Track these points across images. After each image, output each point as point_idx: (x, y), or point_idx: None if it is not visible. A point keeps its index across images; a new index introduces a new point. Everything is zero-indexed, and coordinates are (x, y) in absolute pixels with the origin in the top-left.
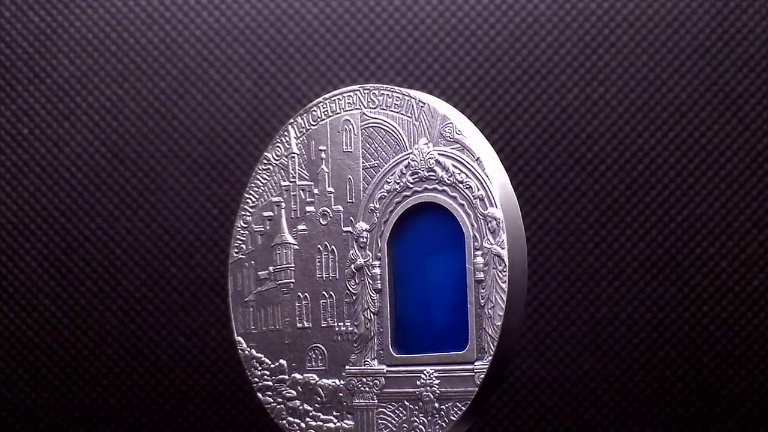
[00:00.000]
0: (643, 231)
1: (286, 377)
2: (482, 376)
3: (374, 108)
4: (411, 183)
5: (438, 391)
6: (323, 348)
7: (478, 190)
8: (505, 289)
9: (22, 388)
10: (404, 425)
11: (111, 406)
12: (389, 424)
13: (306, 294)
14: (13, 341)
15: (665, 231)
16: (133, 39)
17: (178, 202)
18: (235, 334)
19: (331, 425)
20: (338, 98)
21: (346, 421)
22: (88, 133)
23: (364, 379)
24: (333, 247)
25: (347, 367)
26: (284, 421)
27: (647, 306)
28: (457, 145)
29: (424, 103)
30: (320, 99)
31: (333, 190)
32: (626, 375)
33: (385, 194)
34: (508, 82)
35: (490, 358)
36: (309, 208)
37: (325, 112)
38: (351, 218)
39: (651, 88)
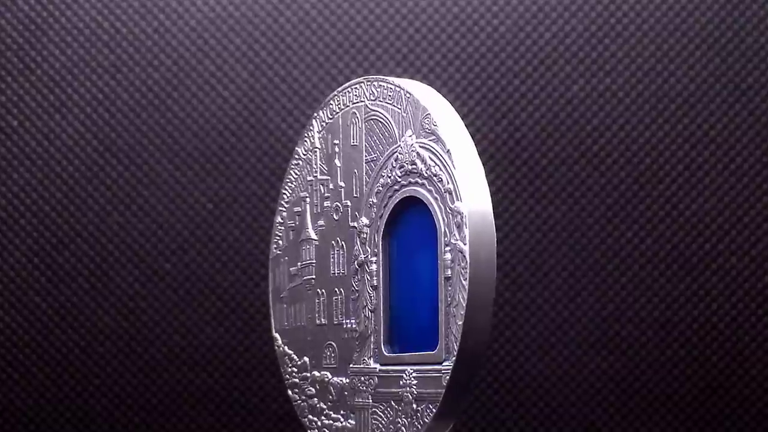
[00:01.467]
0: (650, 226)
1: (308, 374)
2: (447, 377)
3: (374, 100)
4: (399, 177)
5: (416, 392)
6: (335, 345)
7: (448, 183)
8: (466, 287)
9: (12, 387)
10: (391, 426)
11: (103, 407)
12: (380, 425)
13: (323, 290)
14: (2, 339)
15: (673, 226)
16: (126, 29)
17: (172, 197)
18: (273, 331)
19: (339, 424)
20: (348, 90)
21: (349, 421)
22: (80, 125)
23: (362, 378)
24: (343, 242)
25: (351, 365)
26: (306, 419)
27: (654, 303)
28: (434, 137)
29: (411, 94)
30: (335, 92)
31: (343, 185)
32: (633, 374)
33: (380, 188)
34: (511, 72)
35: (454, 359)
36: (326, 203)
37: (339, 106)
38: (356, 213)
39: (658, 79)
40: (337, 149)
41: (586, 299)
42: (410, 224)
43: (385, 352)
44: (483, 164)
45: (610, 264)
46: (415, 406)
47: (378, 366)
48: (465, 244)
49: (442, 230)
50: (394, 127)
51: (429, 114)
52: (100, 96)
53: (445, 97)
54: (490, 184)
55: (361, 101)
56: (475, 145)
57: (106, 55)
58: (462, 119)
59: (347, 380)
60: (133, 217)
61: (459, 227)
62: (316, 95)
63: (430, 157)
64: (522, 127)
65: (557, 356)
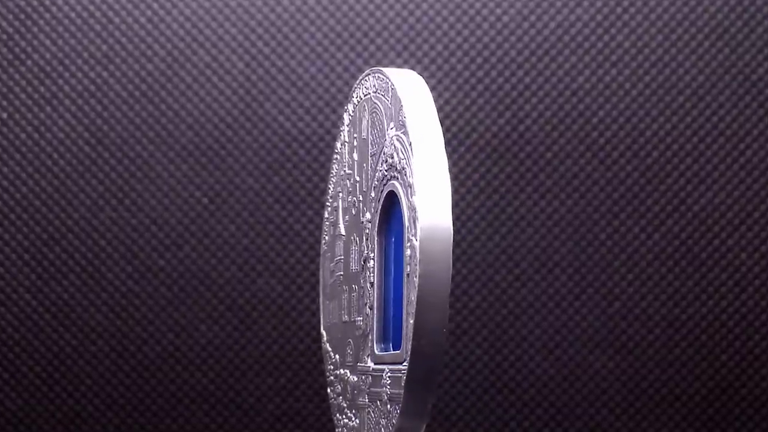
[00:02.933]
0: (658, 221)
1: (339, 372)
2: (404, 377)
3: (375, 92)
4: (385, 171)
5: (389, 392)
6: (352, 343)
7: (411, 176)
8: (416, 285)
9: (2, 387)
10: (375, 427)
11: (95, 407)
12: (371, 425)
13: (347, 287)
14: None
15: (681, 222)
16: (119, 18)
17: (166, 191)
18: (322, 327)
19: (352, 423)
20: (363, 82)
21: (356, 420)
22: (71, 118)
23: (363, 377)
24: (358, 238)
25: (358, 363)
26: (335, 417)
27: (662, 301)
28: (404, 129)
29: (393, 85)
30: (355, 84)
31: (358, 179)
32: (640, 374)
33: (376, 183)
34: (515, 63)
35: (408, 358)
36: (349, 198)
37: (357, 98)
38: (364, 208)
39: (666, 71)
40: (355, 143)
41: (591, 296)
42: (397, 219)
43: (376, 351)
44: (485, 158)
45: (617, 260)
46: (389, 406)
47: (372, 365)
48: (416, 240)
49: (406, 225)
50: (384, 120)
51: (402, 106)
52: (92, 88)
53: (447, 88)
54: (493, 178)
55: (368, 94)
56: (478, 138)
57: (98, 46)
58: (465, 111)
59: (356, 378)
60: (126, 212)
61: (414, 222)
62: (314, 87)
63: (401, 150)
64: (526, 119)
65: (562, 355)
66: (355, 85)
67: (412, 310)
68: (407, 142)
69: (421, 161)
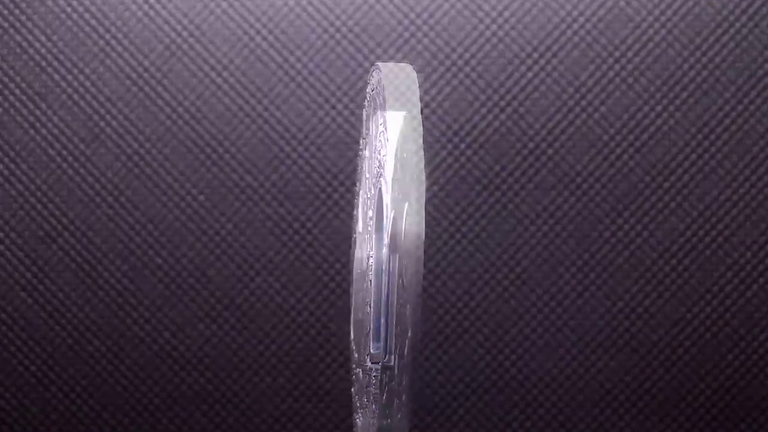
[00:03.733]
0: (661, 218)
1: (356, 370)
2: (378, 377)
3: (376, 88)
4: (377, 168)
5: (373, 392)
6: (363, 341)
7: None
8: (386, 283)
9: None
10: (369, 427)
11: (90, 407)
12: (367, 425)
13: (362, 285)
14: None
15: (686, 219)
16: (115, 13)
17: (162, 188)
18: (351, 325)
19: (358, 422)
20: (370, 78)
21: (362, 419)
22: (66, 113)
23: (365, 376)
24: (366, 236)
25: (364, 362)
26: (354, 416)
27: (666, 299)
28: (386, 125)
29: (383, 81)
30: (367, 81)
31: (368, 176)
32: (644, 374)
33: (374, 180)
34: (518, 59)
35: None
36: (363, 195)
37: (368, 95)
38: (370, 204)
39: (671, 66)
40: (368, 139)
41: (594, 295)
42: None
43: (371, 350)
44: (487, 154)
45: (620, 258)
46: (374, 406)
47: (370, 364)
48: (387, 238)
49: (385, 224)
50: (379, 115)
51: (386, 101)
52: (87, 83)
53: (448, 83)
54: (495, 175)
55: (374, 89)
56: (479, 134)
57: (94, 41)
58: (467, 107)
59: (362, 377)
60: (122, 209)
61: (388, 220)
62: (312, 82)
63: (384, 146)
64: (527, 115)
65: (565, 355)
66: (367, 81)
67: (385, 309)
68: (385, 138)
69: (394, 157)
